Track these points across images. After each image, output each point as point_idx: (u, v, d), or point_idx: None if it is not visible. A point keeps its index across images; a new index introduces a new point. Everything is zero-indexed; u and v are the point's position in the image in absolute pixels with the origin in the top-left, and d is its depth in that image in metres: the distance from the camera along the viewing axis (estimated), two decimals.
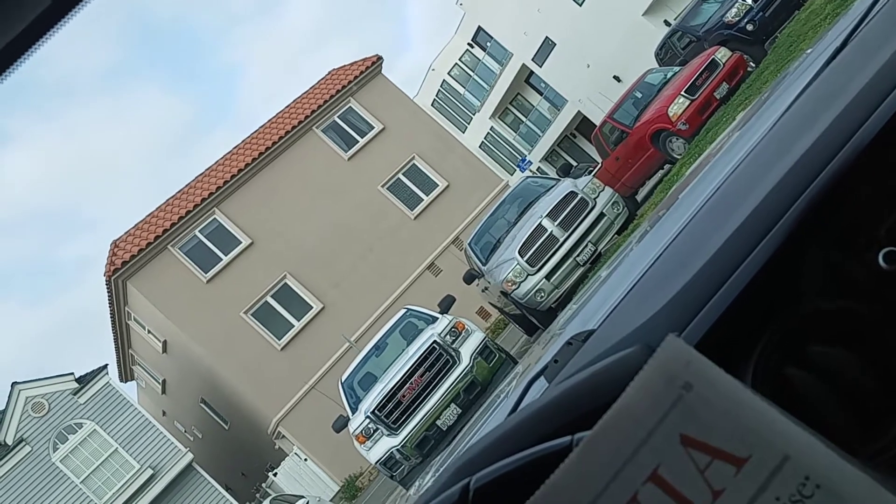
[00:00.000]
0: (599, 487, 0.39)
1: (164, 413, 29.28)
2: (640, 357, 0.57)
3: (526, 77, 33.28)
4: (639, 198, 14.51)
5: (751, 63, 12.50)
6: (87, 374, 22.80)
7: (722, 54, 12.58)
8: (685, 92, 12.47)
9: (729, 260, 0.64)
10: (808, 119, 0.76)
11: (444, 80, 36.59)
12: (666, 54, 16.20)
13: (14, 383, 21.69)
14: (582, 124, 31.96)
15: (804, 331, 0.59)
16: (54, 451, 21.56)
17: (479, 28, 33.69)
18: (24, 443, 21.30)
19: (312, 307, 22.67)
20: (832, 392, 0.55)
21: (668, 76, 13.90)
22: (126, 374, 28.51)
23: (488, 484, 0.48)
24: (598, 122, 16.64)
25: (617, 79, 26.94)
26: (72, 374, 22.57)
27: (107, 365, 23.13)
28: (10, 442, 21.26)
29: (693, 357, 0.40)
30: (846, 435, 0.39)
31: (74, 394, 22.16)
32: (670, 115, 12.55)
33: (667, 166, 13.27)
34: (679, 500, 0.39)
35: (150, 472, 22.00)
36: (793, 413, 0.41)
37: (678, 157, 12.38)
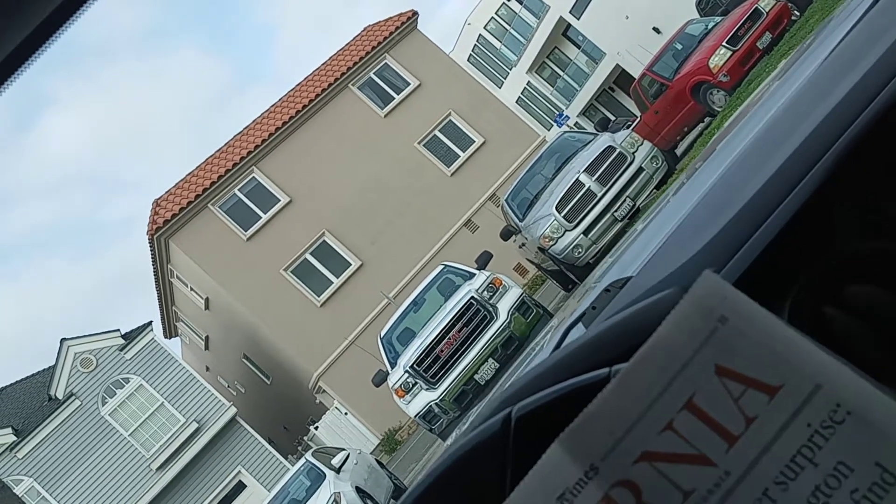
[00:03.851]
0: (636, 415, 0.41)
1: (207, 368, 29.95)
2: (676, 298, 0.58)
3: (563, 30, 32.74)
4: (678, 152, 14.30)
5: (795, 11, 12.15)
6: (132, 331, 23.37)
7: (765, 3, 12.24)
8: (727, 43, 12.18)
9: (765, 203, 0.65)
10: (849, 61, 0.76)
11: (480, 35, 36.16)
12: (707, 4, 15.83)
13: (63, 339, 22.31)
14: (620, 78, 31.44)
15: (841, 271, 0.60)
16: (103, 405, 22.22)
17: None
18: (73, 397, 21.98)
19: (351, 264, 22.88)
20: (869, 329, 0.56)
21: (710, 27, 13.59)
22: (170, 331, 29.15)
23: (529, 413, 0.50)
24: (636, 76, 16.36)
25: (656, 30, 26.39)
26: (118, 330, 23.15)
27: (151, 322, 23.69)
28: (60, 396, 21.95)
29: (728, 291, 0.42)
30: (883, 370, 0.40)
31: (121, 350, 22.74)
32: (711, 66, 12.29)
33: (707, 119, 13.04)
34: (713, 426, 0.40)
35: (195, 425, 22.59)
36: (829, 349, 0.42)
37: (719, 109, 12.15)
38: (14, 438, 21.25)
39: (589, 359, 0.51)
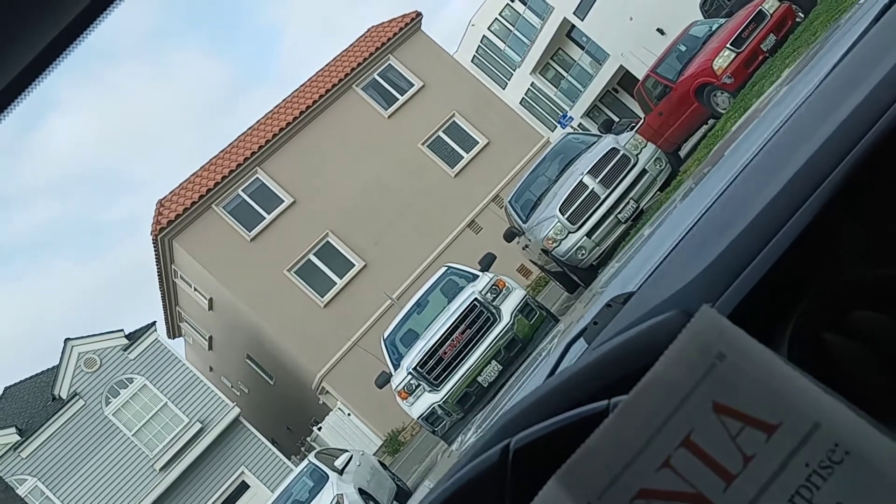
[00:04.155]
0: (634, 451, 0.41)
1: (210, 369, 29.97)
2: (676, 322, 0.58)
3: (567, 31, 32.72)
4: (682, 154, 14.29)
5: (799, 13, 12.13)
6: (136, 331, 23.40)
7: (769, 4, 12.22)
8: (731, 44, 12.16)
9: (769, 223, 0.64)
10: (853, 79, 0.75)
11: (484, 36, 36.15)
12: (711, 6, 15.81)
13: (67, 339, 22.35)
14: (624, 79, 31.40)
15: (843, 297, 0.59)
16: (106, 405, 22.25)
17: None
18: (77, 397, 22.01)
19: (354, 265, 22.88)
20: (870, 356, 0.56)
21: (714, 28, 13.57)
22: (174, 331, 29.19)
23: (528, 444, 0.50)
24: (640, 77, 16.35)
25: (661, 32, 26.36)
26: (121, 330, 23.18)
27: (155, 322, 23.71)
28: (64, 396, 21.98)
29: (726, 327, 0.42)
30: (884, 399, 0.40)
31: (124, 350, 22.77)
32: (715, 68, 12.27)
33: (711, 121, 13.02)
34: (711, 464, 0.40)
35: (198, 425, 22.61)
36: (830, 377, 0.42)
37: (723, 111, 12.13)
38: (18, 438, 21.28)
39: (587, 386, 0.51)
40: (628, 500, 0.40)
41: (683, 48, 14.06)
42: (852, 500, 0.37)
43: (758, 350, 0.41)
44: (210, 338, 28.49)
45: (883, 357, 0.55)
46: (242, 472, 23.00)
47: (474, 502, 0.51)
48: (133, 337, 23.11)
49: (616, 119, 19.11)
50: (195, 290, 25.01)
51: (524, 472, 0.49)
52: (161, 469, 22.13)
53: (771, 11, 12.12)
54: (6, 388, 24.15)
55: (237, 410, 23.33)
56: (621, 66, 30.58)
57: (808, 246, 0.61)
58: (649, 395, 0.42)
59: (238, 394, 29.51)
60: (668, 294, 0.67)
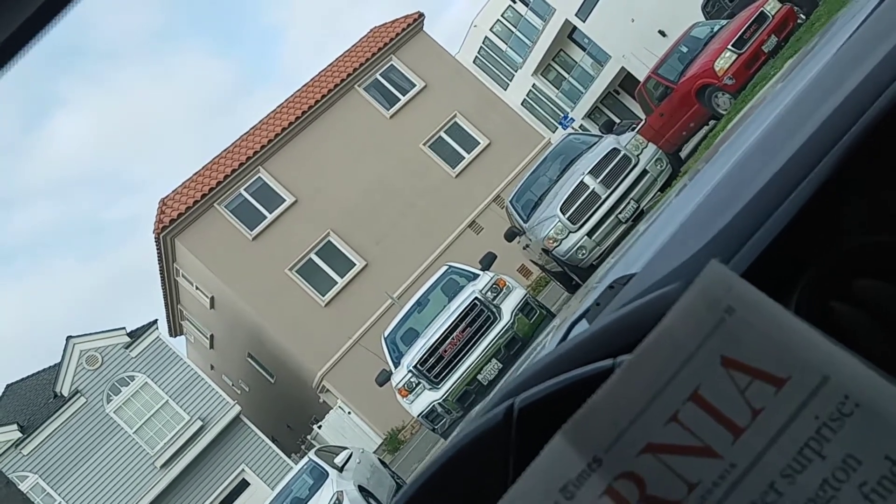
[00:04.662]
0: (641, 406, 0.41)
1: (212, 367, 29.98)
2: (681, 293, 0.58)
3: (569, 33, 32.72)
4: (683, 154, 14.28)
5: (801, 15, 12.12)
6: (138, 329, 23.42)
7: (771, 6, 12.22)
8: (732, 45, 12.16)
9: (772, 197, 0.65)
10: (857, 57, 0.76)
11: (486, 37, 36.15)
12: (713, 7, 15.80)
13: (69, 337, 22.37)
14: (626, 80, 31.39)
15: (849, 266, 0.60)
16: (108, 403, 22.26)
17: None
18: (79, 394, 22.03)
19: (356, 264, 22.88)
20: (876, 324, 0.56)
21: (715, 30, 13.57)
22: (175, 329, 29.18)
23: (532, 404, 0.50)
24: (642, 78, 16.34)
25: (662, 33, 26.35)
26: (123, 328, 23.21)
27: (157, 320, 23.75)
28: (66, 393, 22.00)
29: (735, 282, 0.42)
30: (891, 365, 0.40)
31: (126, 348, 22.79)
32: (716, 69, 12.27)
33: (712, 122, 13.02)
34: (719, 418, 0.40)
35: (199, 423, 22.63)
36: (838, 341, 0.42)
37: (724, 112, 12.13)
38: (19, 435, 21.30)
39: (593, 351, 0.51)
40: (635, 455, 0.40)
41: (685, 49, 14.06)
42: (862, 451, 0.37)
43: (767, 304, 0.41)
44: (211, 336, 28.50)
45: (886, 325, 0.55)
46: (243, 470, 23.01)
47: (478, 460, 0.51)
48: (135, 335, 23.13)
49: (617, 120, 19.10)
50: (197, 288, 25.02)
51: (528, 430, 0.49)
52: (162, 467, 22.15)
53: (773, 13, 12.12)
54: (8, 386, 24.16)
55: (238, 408, 23.34)
56: (623, 68, 30.58)
57: (812, 217, 0.61)
58: (656, 351, 0.42)
59: (239, 392, 29.52)
60: (670, 269, 0.68)
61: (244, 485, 23.01)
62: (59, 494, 21.10)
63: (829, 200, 0.59)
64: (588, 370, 0.49)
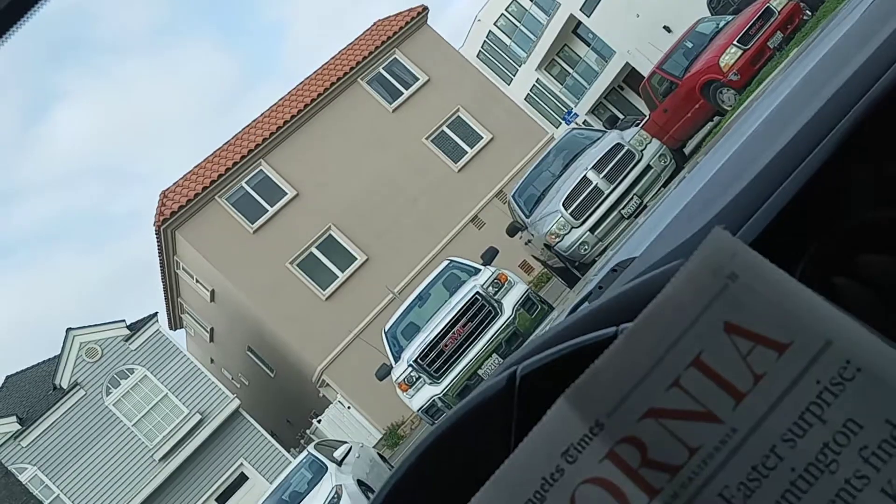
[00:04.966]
0: (643, 371, 0.40)
1: (211, 360, 30.02)
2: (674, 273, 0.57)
3: (573, 28, 32.69)
4: (686, 150, 14.28)
5: (807, 11, 12.10)
6: (137, 322, 23.44)
7: (777, 2, 12.20)
8: (738, 41, 12.14)
9: (775, 174, 0.64)
10: (865, 36, 0.75)
11: (489, 31, 36.12)
12: (719, 3, 15.77)
13: (68, 329, 22.39)
14: (630, 76, 31.36)
15: (853, 241, 0.59)
16: (107, 395, 22.29)
17: None
18: (78, 387, 22.06)
19: (356, 258, 22.89)
20: (880, 299, 0.55)
21: (721, 25, 13.55)
22: (175, 322, 29.22)
23: (534, 371, 0.50)
24: (646, 74, 16.33)
25: (667, 29, 26.33)
26: (123, 321, 23.22)
27: (157, 313, 23.76)
28: (65, 386, 22.03)
29: (739, 248, 0.41)
30: (893, 339, 0.40)
31: (126, 340, 22.81)
32: (721, 65, 12.25)
33: (716, 118, 13.01)
34: (721, 383, 0.40)
35: (198, 416, 22.66)
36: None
37: (728, 108, 12.12)
38: (18, 427, 21.33)
39: (597, 323, 0.51)
40: (637, 419, 0.39)
41: (690, 45, 14.04)
42: (863, 415, 0.37)
43: (771, 270, 0.40)
44: (211, 329, 28.53)
45: (889, 299, 0.55)
46: (241, 464, 23.05)
47: (481, 426, 0.51)
48: (135, 328, 23.15)
49: (621, 116, 19.09)
50: (197, 281, 25.04)
51: (531, 396, 0.49)
52: (161, 459, 22.19)
53: (779, 9, 12.10)
54: (7, 378, 24.21)
55: (237, 402, 23.37)
56: (627, 64, 30.55)
57: (817, 192, 0.60)
58: (659, 317, 0.41)
59: (238, 386, 29.56)
60: (673, 247, 0.67)
61: (243, 478, 23.06)
62: (57, 487, 21.15)
63: (833, 176, 0.58)
64: (591, 337, 0.48)
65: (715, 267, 0.41)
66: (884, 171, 0.60)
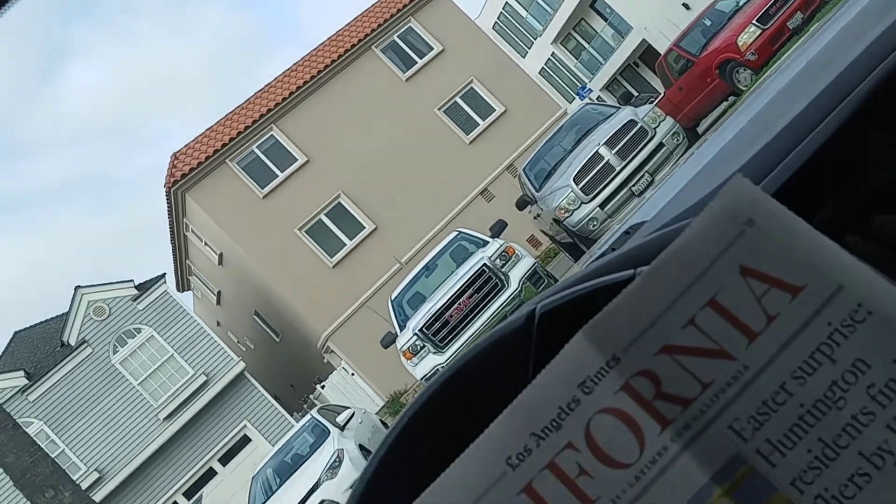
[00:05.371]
0: (660, 310, 0.42)
1: (218, 323, 30.24)
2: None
3: (591, 1, 32.38)
4: (700, 129, 14.19)
5: None
6: (146, 282, 23.59)
7: None
8: (757, 20, 12.00)
9: (792, 137, 0.65)
10: (886, 5, 0.75)
11: (506, 3, 35.82)
12: None
13: (77, 287, 22.56)
14: (646, 53, 31.11)
15: (870, 202, 0.60)
16: (114, 354, 22.51)
17: None
18: (85, 344, 22.27)
19: (365, 227, 22.93)
20: (892, 258, 0.56)
21: (741, 3, 13.39)
22: (183, 284, 29.39)
23: (553, 309, 0.51)
24: (662, 52, 16.19)
25: (686, 6, 26.08)
26: (131, 281, 23.37)
27: (165, 274, 23.91)
28: (72, 343, 22.25)
29: (758, 195, 0.42)
30: None
31: (134, 300, 22.98)
32: (739, 44, 12.13)
33: (731, 98, 12.91)
34: (735, 323, 0.41)
35: (203, 378, 22.87)
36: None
37: (744, 88, 12.02)
38: (26, 382, 21.59)
39: (614, 269, 0.52)
40: (652, 355, 0.41)
41: (708, 23, 13.89)
42: (871, 355, 0.38)
43: (788, 217, 0.42)
44: (219, 293, 28.70)
45: None
46: (245, 426, 23.31)
47: (499, 361, 0.52)
48: (143, 288, 23.30)
49: (635, 93, 18.95)
50: (206, 244, 25.14)
51: (549, 333, 0.50)
52: (165, 419, 22.45)
53: None
54: (16, 333, 24.46)
55: (242, 365, 23.57)
56: (644, 40, 30.30)
57: (834, 154, 0.61)
58: (677, 258, 0.43)
59: (244, 349, 29.79)
60: (687, 206, 0.68)
61: (245, 440, 23.32)
62: (62, 441, 21.43)
63: (851, 139, 0.59)
64: (610, 279, 0.50)
65: (734, 212, 0.42)
66: None
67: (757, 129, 0.79)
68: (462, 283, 10.60)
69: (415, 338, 10.69)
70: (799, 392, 0.38)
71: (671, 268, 0.42)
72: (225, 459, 22.97)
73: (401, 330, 11.39)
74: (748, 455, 0.39)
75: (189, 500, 22.10)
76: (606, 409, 0.41)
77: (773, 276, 0.41)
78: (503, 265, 10.64)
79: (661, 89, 16.10)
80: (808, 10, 11.64)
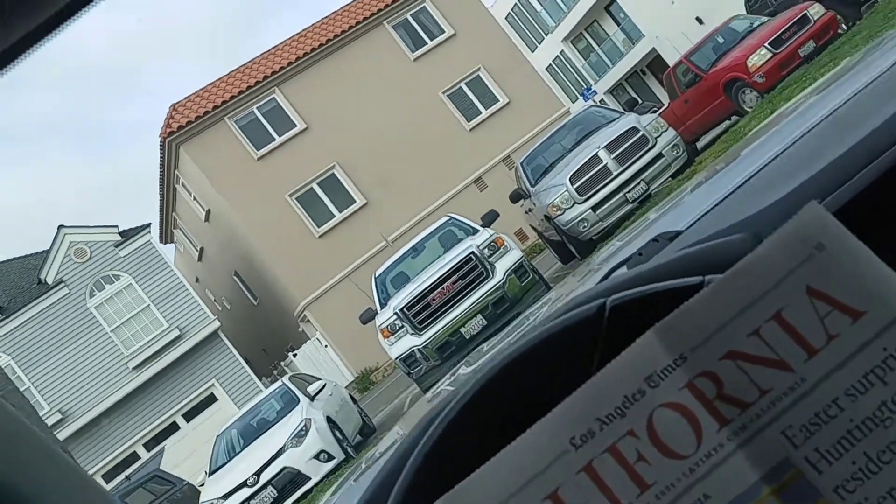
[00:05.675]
0: (727, 318, 0.45)
1: (197, 280, 30.13)
2: (746, 244, 0.62)
3: (607, 4, 32.34)
4: (699, 145, 14.25)
5: (843, 25, 12.01)
6: (130, 230, 23.44)
7: (815, 10, 12.08)
8: (769, 44, 12.05)
9: (841, 171, 0.68)
10: None
11: None
12: (756, 2, 15.63)
13: (60, 226, 22.38)
14: (654, 62, 31.16)
15: None
16: (90, 298, 22.39)
17: None
18: (62, 284, 22.13)
19: (356, 201, 22.90)
20: None
21: (755, 25, 13.43)
22: (166, 237, 29.25)
23: (623, 304, 0.54)
24: (670, 63, 16.23)
25: (699, 21, 26.11)
26: (116, 227, 23.22)
27: (150, 224, 23.74)
28: (50, 281, 22.10)
29: (830, 222, 0.45)
30: None
31: (116, 246, 22.84)
32: (749, 65, 12.18)
33: (734, 117, 12.96)
34: (797, 338, 0.44)
35: (177, 332, 22.81)
36: None
37: (748, 109, 12.08)
38: None
39: (682, 270, 0.55)
40: (717, 358, 0.44)
41: (721, 40, 13.94)
42: None
43: (856, 245, 0.45)
44: (201, 249, 28.59)
45: None
46: (212, 385, 23.29)
47: (566, 349, 0.55)
48: (126, 235, 23.16)
49: (639, 101, 19.00)
50: (195, 199, 25.02)
51: (617, 328, 0.53)
52: (134, 368, 22.39)
53: (815, 17, 11.99)
54: None
55: (217, 324, 23.51)
56: (653, 49, 30.33)
57: (887, 185, 0.64)
58: (748, 272, 0.46)
59: (220, 308, 29.71)
60: (737, 218, 0.71)
61: (212, 399, 23.30)
62: (28, 379, 21.33)
63: None
64: (679, 282, 0.53)
65: (805, 236, 0.46)
66: None
67: (797, 163, 0.82)
68: (448, 268, 10.63)
69: (395, 317, 10.72)
70: (850, 408, 0.42)
71: (743, 279, 0.46)
72: (189, 416, 22.96)
73: (381, 308, 11.42)
74: (797, 460, 0.42)
75: (149, 451, 22.09)
76: (669, 404, 0.44)
77: (836, 299, 0.44)
78: (491, 255, 10.68)
79: (666, 100, 16.16)
80: (820, 40, 11.70)
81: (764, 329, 0.45)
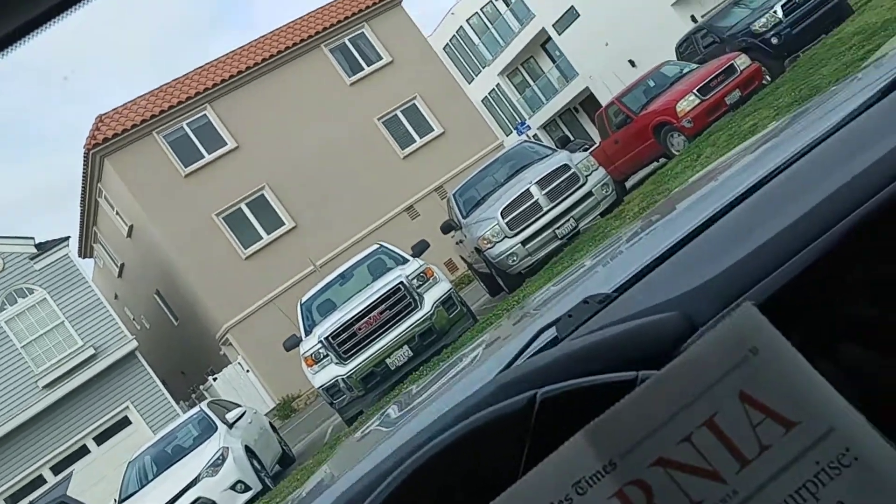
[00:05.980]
0: (659, 422, 0.43)
1: (116, 297, 29.23)
2: (676, 323, 0.60)
3: (543, 42, 32.99)
4: (628, 185, 14.58)
5: (767, 76, 12.49)
6: (47, 242, 22.59)
7: (742, 61, 12.55)
8: (697, 90, 12.45)
9: (775, 252, 0.67)
10: (862, 143, 0.78)
11: (461, 27, 36.14)
12: (686, 49, 16.13)
13: None
14: (587, 101, 31.83)
15: (838, 330, 0.63)
16: (1, 311, 21.45)
17: None
18: None
19: (284, 223, 22.63)
20: (853, 390, 0.59)
21: (684, 71, 13.86)
22: (86, 251, 28.33)
23: (554, 398, 0.52)
24: (603, 102, 16.60)
25: (632, 63, 26.81)
26: (32, 238, 22.35)
27: (69, 237, 22.92)
28: None
29: (765, 326, 0.44)
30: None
31: (31, 258, 21.98)
32: (678, 110, 12.55)
33: (662, 160, 13.31)
34: (729, 446, 0.42)
35: (91, 351, 22.00)
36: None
37: (676, 152, 12.41)
38: None
39: (609, 356, 0.53)
40: (647, 465, 0.42)
41: (652, 84, 14.33)
42: (853, 500, 0.39)
43: (790, 352, 0.44)
44: (122, 265, 27.78)
45: (864, 393, 0.58)
46: (127, 407, 22.48)
47: (493, 442, 0.52)
48: (43, 248, 22.31)
49: (572, 138, 19.35)
50: (117, 213, 24.34)
51: (547, 422, 0.51)
52: (44, 387, 21.47)
53: (741, 68, 12.45)
54: None
55: (134, 344, 22.77)
56: (587, 88, 31.01)
57: (815, 277, 0.64)
58: (681, 374, 0.44)
59: (139, 328, 28.84)
60: (664, 298, 0.70)
61: (125, 422, 22.48)
62: None
63: (837, 264, 0.62)
64: (611, 377, 0.51)
65: (740, 338, 0.44)
66: (879, 271, 0.64)
67: (737, 231, 0.81)
68: (376, 297, 10.55)
69: (319, 345, 10.56)
70: None
71: (675, 382, 0.44)
72: (101, 439, 22.09)
73: (306, 335, 11.24)
74: None
75: (56, 475, 21.15)
76: None
77: (769, 407, 0.43)
78: (420, 286, 10.64)
79: (597, 138, 16.48)
80: (746, 90, 12.14)
81: (696, 435, 0.43)
